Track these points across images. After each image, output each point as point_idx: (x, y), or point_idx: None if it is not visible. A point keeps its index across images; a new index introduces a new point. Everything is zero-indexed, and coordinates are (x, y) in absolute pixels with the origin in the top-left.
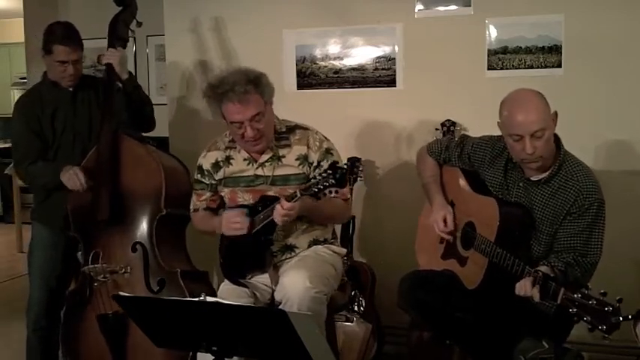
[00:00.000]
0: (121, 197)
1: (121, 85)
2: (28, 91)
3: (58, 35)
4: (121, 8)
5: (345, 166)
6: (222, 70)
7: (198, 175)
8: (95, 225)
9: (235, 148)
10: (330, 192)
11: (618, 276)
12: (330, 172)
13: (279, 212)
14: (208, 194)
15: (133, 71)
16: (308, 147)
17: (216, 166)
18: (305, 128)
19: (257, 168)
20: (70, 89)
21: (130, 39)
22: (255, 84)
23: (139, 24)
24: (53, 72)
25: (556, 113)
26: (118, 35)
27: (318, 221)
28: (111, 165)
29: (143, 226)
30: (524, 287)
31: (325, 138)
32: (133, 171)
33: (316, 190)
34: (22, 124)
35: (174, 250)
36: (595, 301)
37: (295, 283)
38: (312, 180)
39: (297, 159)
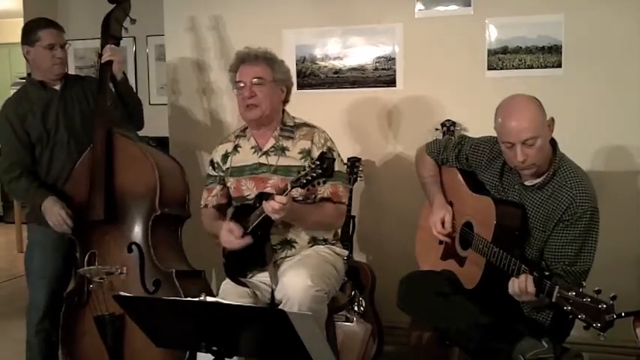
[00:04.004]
0: (116, 197)
1: (112, 84)
2: (14, 94)
3: (41, 22)
4: (114, 6)
5: (333, 156)
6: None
7: (210, 168)
8: (90, 226)
9: (245, 136)
10: (319, 183)
11: (617, 276)
12: (318, 162)
13: (274, 206)
14: (218, 187)
15: (133, 71)
16: (312, 142)
17: (225, 157)
18: (312, 126)
19: (261, 156)
20: (57, 88)
21: (130, 39)
22: (268, 59)
23: (133, 21)
24: (42, 62)
25: (552, 119)
26: (111, 33)
27: (307, 227)
28: (105, 165)
29: (138, 227)
30: (525, 284)
31: (330, 138)
32: (127, 171)
33: (305, 181)
34: (10, 131)
35: (170, 250)
36: (589, 299)
37: (296, 282)
38: (302, 172)
39: (300, 152)
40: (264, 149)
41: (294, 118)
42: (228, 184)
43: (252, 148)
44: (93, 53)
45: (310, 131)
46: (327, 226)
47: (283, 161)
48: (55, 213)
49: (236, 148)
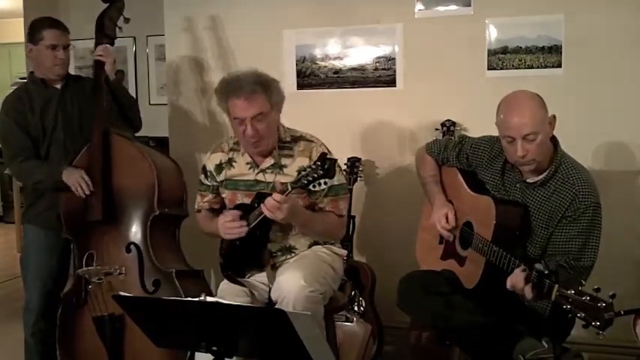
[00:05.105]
0: (114, 197)
1: (106, 84)
2: (14, 90)
3: (45, 22)
4: (107, 5)
5: (334, 158)
6: (238, 70)
7: (202, 176)
8: (88, 226)
9: (239, 150)
10: (320, 184)
11: (616, 275)
12: (319, 163)
13: (270, 204)
14: (211, 196)
15: (133, 71)
16: (310, 159)
17: (219, 167)
18: (310, 140)
19: (258, 173)
20: (58, 87)
21: (130, 39)
22: (264, 86)
23: (127, 20)
24: (44, 61)
25: (554, 116)
26: (105, 32)
27: (309, 234)
28: (103, 165)
29: (137, 227)
30: (516, 280)
31: (329, 151)
32: (125, 171)
33: (306, 182)
34: (12, 124)
35: (169, 250)
36: (588, 297)
37: (290, 282)
38: (302, 172)
39: (298, 170)
40: (262, 167)
41: (288, 129)
42: (223, 195)
43: (248, 164)
44: (89, 53)
45: (308, 146)
46: (330, 235)
47: (281, 178)
48: (78, 174)
49: (230, 162)
